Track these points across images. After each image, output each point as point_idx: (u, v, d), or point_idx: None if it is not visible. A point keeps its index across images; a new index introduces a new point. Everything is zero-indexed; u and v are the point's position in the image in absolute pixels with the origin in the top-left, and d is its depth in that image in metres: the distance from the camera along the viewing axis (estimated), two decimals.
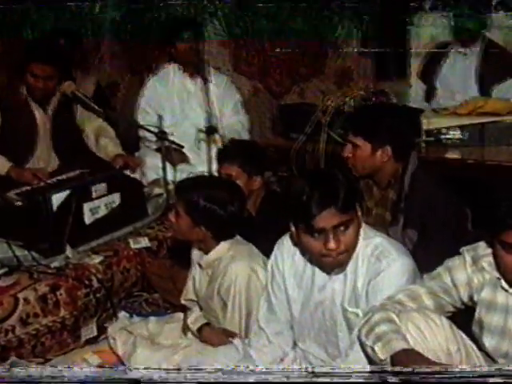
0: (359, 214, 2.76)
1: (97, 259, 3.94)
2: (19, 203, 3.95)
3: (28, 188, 4.13)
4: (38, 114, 4.54)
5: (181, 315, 3.48)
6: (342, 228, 2.67)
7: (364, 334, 2.55)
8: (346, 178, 2.74)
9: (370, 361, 2.57)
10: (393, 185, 3.48)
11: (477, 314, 2.65)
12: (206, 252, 3.29)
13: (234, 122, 5.08)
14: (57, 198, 3.91)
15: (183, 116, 5.10)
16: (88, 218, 4.08)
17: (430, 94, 5.23)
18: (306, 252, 2.86)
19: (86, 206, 4.06)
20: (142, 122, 4.91)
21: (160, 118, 4.43)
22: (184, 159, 4.87)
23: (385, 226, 3.43)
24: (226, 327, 3.25)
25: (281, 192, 3.95)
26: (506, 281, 2.52)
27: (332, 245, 2.65)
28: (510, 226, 2.38)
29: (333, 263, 2.75)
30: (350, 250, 2.74)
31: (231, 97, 5.18)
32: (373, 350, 2.47)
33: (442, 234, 3.31)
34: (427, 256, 3.05)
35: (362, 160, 3.45)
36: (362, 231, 2.79)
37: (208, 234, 3.22)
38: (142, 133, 4.96)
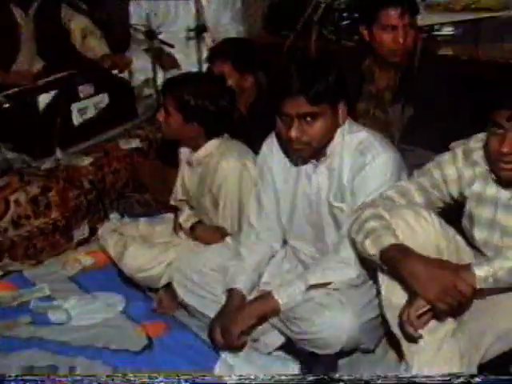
0: (341, 110, 2.73)
1: (87, 161, 3.93)
2: (7, 105, 3.90)
3: (15, 90, 4.05)
4: (19, 15, 4.41)
5: (172, 216, 3.48)
6: (308, 118, 2.65)
7: (354, 230, 2.55)
8: (330, 71, 2.70)
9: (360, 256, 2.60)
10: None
11: (467, 208, 2.66)
12: (196, 149, 3.28)
13: (230, 31, 4.98)
14: (43, 99, 3.87)
15: (175, 17, 5.00)
16: (76, 119, 4.04)
17: None
18: (280, 139, 2.88)
19: (74, 107, 4.01)
20: (133, 16, 4.83)
21: (148, 16, 4.34)
22: (175, 64, 4.80)
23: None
24: (218, 225, 3.26)
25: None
26: (493, 171, 2.52)
27: (293, 133, 2.65)
28: (502, 105, 2.36)
29: (297, 152, 2.77)
30: (315, 143, 2.72)
31: (233, 5, 5.07)
32: (362, 245, 2.49)
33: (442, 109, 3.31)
34: (423, 129, 3.17)
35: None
36: (347, 125, 2.78)
37: (200, 129, 3.20)
38: (132, 31, 4.87)
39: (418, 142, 3.27)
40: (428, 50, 3.63)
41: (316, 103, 2.63)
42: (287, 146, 2.83)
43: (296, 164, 2.90)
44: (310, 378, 2.29)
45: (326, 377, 2.31)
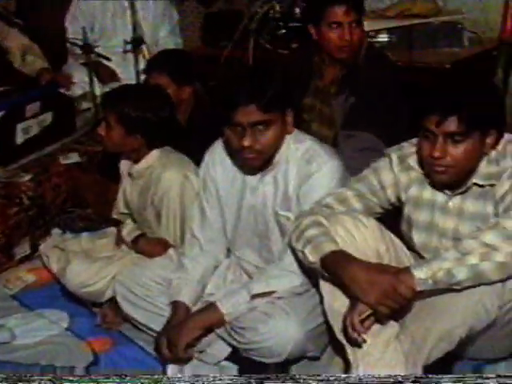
0: (289, 118, 2.76)
1: (26, 177, 3.88)
2: None
3: None
4: None
5: (114, 230, 3.46)
6: (260, 127, 2.67)
7: (294, 238, 2.57)
8: (277, 79, 2.73)
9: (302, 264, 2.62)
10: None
11: (405, 212, 2.71)
12: (137, 161, 3.27)
13: (169, 43, 4.97)
14: None
15: (113, 31, 4.98)
16: (19, 138, 4.00)
17: None
18: (228, 149, 2.88)
19: (19, 127, 3.97)
20: (70, 30, 4.80)
21: (84, 30, 4.31)
22: (113, 77, 4.78)
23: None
24: (161, 237, 3.25)
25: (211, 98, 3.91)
26: (427, 175, 2.57)
27: (246, 142, 2.66)
28: (431, 111, 2.42)
29: (248, 162, 2.78)
30: (266, 151, 2.74)
31: (170, 18, 5.06)
32: (303, 253, 2.51)
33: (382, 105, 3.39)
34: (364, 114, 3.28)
35: None
36: (293, 135, 2.80)
37: (142, 141, 3.20)
38: (69, 46, 4.84)
39: (359, 126, 3.36)
40: (373, 47, 3.73)
41: (267, 111, 2.65)
42: (238, 156, 2.83)
43: (242, 174, 2.91)
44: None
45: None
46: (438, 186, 2.58)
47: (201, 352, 2.90)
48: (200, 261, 3.01)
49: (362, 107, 3.42)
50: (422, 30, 4.58)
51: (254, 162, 2.78)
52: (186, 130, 3.67)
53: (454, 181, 2.52)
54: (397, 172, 2.67)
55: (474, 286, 2.32)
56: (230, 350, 2.89)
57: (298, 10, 4.56)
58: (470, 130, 2.41)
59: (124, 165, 3.38)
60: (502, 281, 2.34)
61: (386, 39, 4.56)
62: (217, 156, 2.98)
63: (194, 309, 2.91)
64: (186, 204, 3.16)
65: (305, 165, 2.78)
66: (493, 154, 2.52)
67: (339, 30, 3.40)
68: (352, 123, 3.42)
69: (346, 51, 3.44)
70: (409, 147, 2.67)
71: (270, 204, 2.86)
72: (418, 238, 2.68)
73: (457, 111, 2.39)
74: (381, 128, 3.33)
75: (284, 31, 4.62)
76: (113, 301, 3.18)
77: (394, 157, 2.68)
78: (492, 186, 2.51)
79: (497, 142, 2.51)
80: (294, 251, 2.63)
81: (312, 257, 2.46)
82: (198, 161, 3.14)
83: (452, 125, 2.40)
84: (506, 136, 2.55)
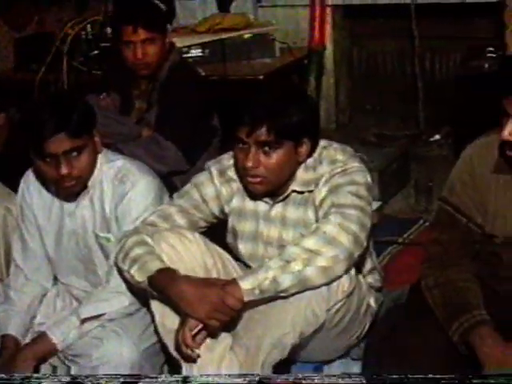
0: (96, 139, 2.74)
1: None
2: None
3: None
4: None
5: None
6: (74, 154, 2.64)
7: (120, 259, 2.55)
8: (80, 103, 2.73)
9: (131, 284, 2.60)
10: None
11: (230, 224, 2.73)
12: None
13: None
14: None
15: None
16: None
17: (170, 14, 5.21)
18: (41, 178, 2.83)
19: None
20: None
21: None
22: None
23: None
24: None
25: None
26: (244, 185, 2.62)
27: (64, 170, 2.62)
28: (242, 121, 2.45)
29: (68, 190, 2.74)
30: (84, 176, 2.72)
31: None
32: (130, 273, 2.49)
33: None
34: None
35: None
36: (103, 155, 2.79)
37: None
38: None
39: (167, 137, 3.43)
40: (182, 62, 3.78)
41: (77, 136, 2.62)
42: (55, 185, 2.77)
43: (59, 200, 2.86)
44: None
45: None
46: (256, 195, 2.62)
47: None
48: (26, 291, 2.93)
49: (163, 121, 3.49)
50: (234, 43, 4.67)
51: (73, 189, 2.75)
52: (3, 157, 3.57)
53: (270, 190, 2.57)
54: (218, 185, 2.69)
55: (301, 292, 2.37)
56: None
57: (109, 31, 4.54)
58: (281, 139, 2.46)
59: None
60: (327, 284, 2.39)
61: (199, 54, 4.61)
62: (31, 184, 2.92)
63: (25, 341, 2.83)
64: (9, 236, 3.07)
65: (119, 184, 2.76)
66: (310, 161, 2.57)
67: (132, 48, 3.46)
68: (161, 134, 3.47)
69: (143, 68, 3.52)
70: (228, 159, 2.70)
71: (90, 227, 2.82)
72: (243, 248, 2.71)
73: (266, 121, 2.43)
74: (180, 143, 3.42)
75: (97, 52, 4.60)
76: None
77: (214, 170, 2.70)
78: (311, 192, 2.57)
79: (312, 150, 2.57)
80: (121, 272, 2.61)
81: (139, 277, 2.45)
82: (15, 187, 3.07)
83: (262, 134, 2.44)
84: (322, 142, 2.61)
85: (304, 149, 2.53)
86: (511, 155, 2.25)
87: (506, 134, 2.19)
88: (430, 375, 1.99)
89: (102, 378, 2.15)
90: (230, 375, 2.21)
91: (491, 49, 4.55)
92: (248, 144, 2.46)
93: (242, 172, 2.55)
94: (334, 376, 2.07)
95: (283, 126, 2.45)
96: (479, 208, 2.39)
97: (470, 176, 2.41)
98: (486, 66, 4.50)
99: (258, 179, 2.50)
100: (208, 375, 2.24)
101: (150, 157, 3.23)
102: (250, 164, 2.46)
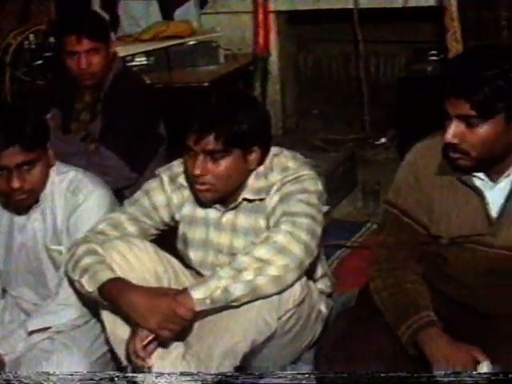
0: (50, 152, 2.72)
1: None
2: None
3: None
4: None
5: None
6: (26, 167, 2.62)
7: (70, 268, 2.53)
8: (34, 116, 2.68)
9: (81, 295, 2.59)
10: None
11: (180, 231, 2.72)
12: None
13: None
14: None
15: None
16: None
17: (114, 23, 5.20)
18: None
19: None
20: None
21: None
22: None
23: None
24: None
25: None
26: (192, 191, 2.62)
27: (16, 184, 2.59)
28: (190, 129, 2.46)
29: (20, 203, 2.71)
30: (36, 189, 2.70)
31: None
32: (80, 283, 2.47)
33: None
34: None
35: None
36: (55, 167, 2.76)
37: None
38: None
39: (111, 147, 3.44)
40: (126, 70, 3.79)
41: (31, 150, 2.60)
42: (5, 198, 2.74)
43: (9, 213, 2.83)
44: None
45: None
46: (206, 203, 2.62)
47: None
48: None
49: (107, 132, 3.48)
50: (178, 50, 4.67)
51: (25, 202, 2.72)
52: None
53: (218, 197, 2.56)
54: (169, 192, 2.68)
55: (252, 301, 2.37)
56: None
57: (52, 40, 4.50)
58: (229, 147, 2.45)
59: None
60: (279, 293, 2.39)
61: (144, 62, 4.60)
62: None
63: None
64: None
65: (71, 196, 2.74)
66: (261, 168, 2.57)
67: (76, 58, 3.45)
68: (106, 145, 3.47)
69: (88, 78, 3.51)
70: (179, 166, 2.68)
71: (41, 240, 2.79)
72: (194, 255, 2.70)
73: (213, 129, 2.43)
74: (124, 152, 3.42)
75: (40, 62, 4.56)
76: None
77: (165, 177, 2.69)
78: (262, 200, 2.57)
79: (263, 158, 2.57)
80: (71, 281, 2.58)
81: (89, 287, 2.43)
82: None
83: (210, 143, 2.43)
84: (273, 149, 2.61)
85: (254, 157, 2.53)
86: (454, 157, 2.27)
87: (448, 136, 2.22)
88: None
89: None
90: None
91: (434, 52, 4.62)
92: (196, 152, 2.46)
93: (191, 179, 2.55)
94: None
95: (231, 134, 2.44)
96: (424, 210, 2.42)
97: (414, 178, 2.43)
98: (429, 69, 4.57)
99: (206, 187, 2.50)
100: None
101: (92, 168, 3.19)
102: (197, 172, 2.46)
